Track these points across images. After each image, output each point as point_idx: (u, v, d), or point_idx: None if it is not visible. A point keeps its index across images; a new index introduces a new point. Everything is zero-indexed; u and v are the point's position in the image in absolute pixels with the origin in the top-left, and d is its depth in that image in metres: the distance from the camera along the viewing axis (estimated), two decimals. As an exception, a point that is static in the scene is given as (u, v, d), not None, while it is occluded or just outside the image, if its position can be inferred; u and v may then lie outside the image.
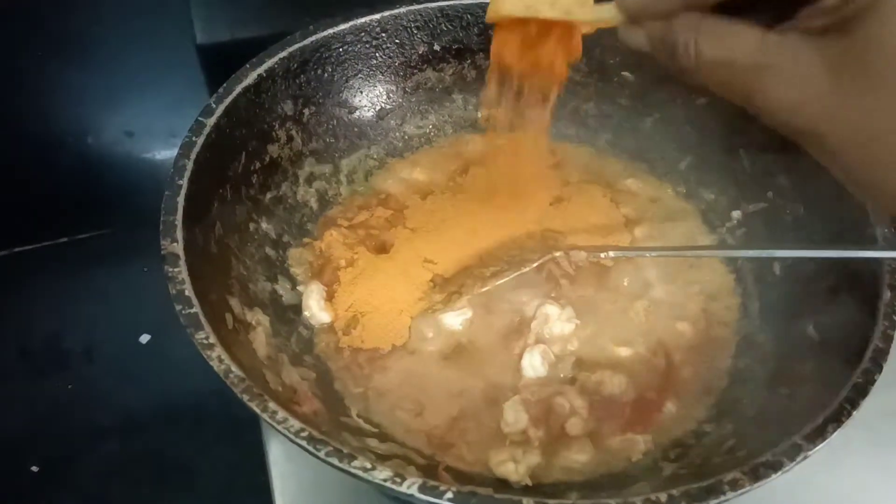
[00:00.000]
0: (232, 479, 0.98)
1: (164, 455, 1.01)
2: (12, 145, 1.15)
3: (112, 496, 0.99)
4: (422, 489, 0.46)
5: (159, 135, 1.23)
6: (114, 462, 1.01)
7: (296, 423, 0.48)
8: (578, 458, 0.62)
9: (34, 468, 1.02)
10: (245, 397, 0.50)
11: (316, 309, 0.70)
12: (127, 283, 1.15)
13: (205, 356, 0.51)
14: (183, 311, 0.53)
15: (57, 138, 1.19)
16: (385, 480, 0.46)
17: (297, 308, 0.70)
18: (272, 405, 0.49)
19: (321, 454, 0.47)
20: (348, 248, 0.74)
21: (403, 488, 0.46)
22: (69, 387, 1.08)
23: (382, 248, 0.74)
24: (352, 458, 0.47)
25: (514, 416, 0.63)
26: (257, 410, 0.49)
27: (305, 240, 0.75)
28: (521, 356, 0.67)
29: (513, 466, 0.60)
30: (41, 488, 1.00)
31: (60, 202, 1.20)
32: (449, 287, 0.71)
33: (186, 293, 0.54)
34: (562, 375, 0.67)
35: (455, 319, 0.70)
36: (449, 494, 0.45)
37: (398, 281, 0.71)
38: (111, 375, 1.08)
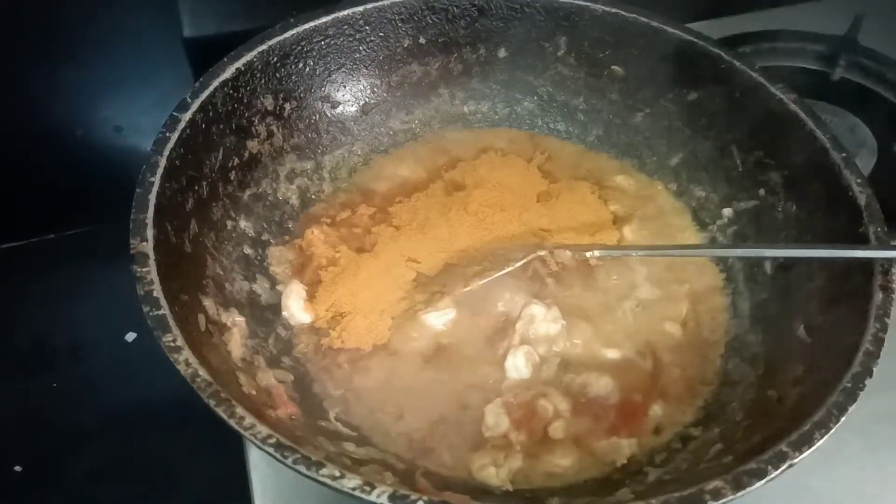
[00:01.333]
0: (216, 480, 0.97)
1: (149, 455, 1.00)
2: (-1, 140, 1.14)
3: (96, 496, 0.98)
4: (391, 498, 0.44)
5: (148, 130, 1.20)
6: (99, 462, 1.00)
7: (263, 430, 0.47)
8: (561, 462, 0.60)
9: (18, 468, 1.01)
10: (211, 402, 0.48)
11: (295, 309, 0.68)
12: (113, 280, 1.12)
13: (171, 360, 0.50)
14: (150, 313, 0.52)
15: (45, 133, 1.17)
16: (354, 489, 0.45)
17: (276, 308, 0.68)
18: (239, 410, 0.48)
19: (289, 461, 0.46)
20: (330, 247, 0.72)
21: (373, 497, 0.44)
22: (54, 385, 1.07)
23: (365, 247, 0.73)
24: (320, 465, 0.46)
25: (496, 420, 0.61)
26: (223, 416, 0.48)
27: (286, 238, 0.73)
28: (504, 357, 0.66)
29: (494, 471, 0.59)
30: (25, 489, 0.99)
31: (48, 198, 1.19)
32: (432, 286, 0.70)
33: (154, 294, 0.52)
34: (546, 377, 0.65)
35: (438, 319, 0.68)
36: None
37: (381, 280, 0.69)
38: (97, 374, 1.07)
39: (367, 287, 0.69)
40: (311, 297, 0.69)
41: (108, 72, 1.14)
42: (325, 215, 0.76)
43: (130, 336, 1.09)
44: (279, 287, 0.70)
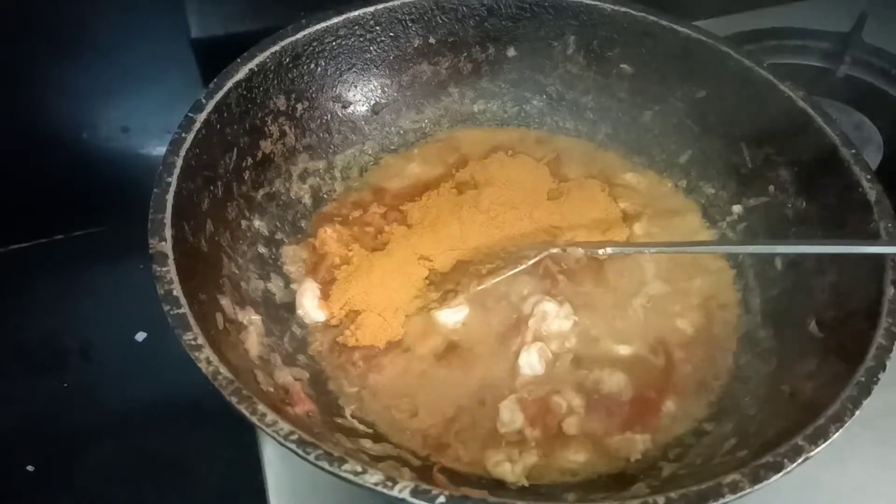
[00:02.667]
0: (228, 479, 0.97)
1: (160, 454, 1.01)
2: (7, 142, 1.14)
3: (108, 496, 0.98)
4: (414, 493, 0.45)
5: (155, 130, 1.22)
6: (110, 461, 1.01)
7: (285, 426, 0.47)
8: (576, 458, 0.61)
9: (30, 468, 1.01)
10: (233, 400, 0.49)
11: (310, 307, 0.69)
12: (123, 281, 1.14)
13: (193, 358, 0.50)
14: (171, 312, 0.52)
15: (52, 135, 1.18)
16: (376, 484, 0.45)
17: (291, 307, 0.69)
18: (261, 407, 0.48)
19: (311, 457, 0.46)
20: (343, 246, 0.73)
21: (395, 492, 0.45)
22: (65, 385, 1.07)
23: (378, 246, 0.73)
24: (342, 461, 0.46)
25: (510, 416, 0.62)
26: (246, 413, 0.48)
27: (299, 237, 0.74)
28: (518, 354, 0.66)
29: (509, 467, 0.59)
30: (37, 488, 1.00)
31: (56, 199, 1.19)
32: (445, 284, 0.70)
33: (174, 293, 0.53)
34: (559, 373, 0.66)
35: (451, 317, 0.69)
36: (441, 498, 0.44)
37: (394, 278, 0.70)
38: (107, 374, 1.07)
39: (381, 285, 0.69)
40: (325, 295, 0.70)
41: (115, 72, 1.14)
42: (337, 214, 0.77)
43: (140, 335, 1.10)
44: (293, 286, 0.70)
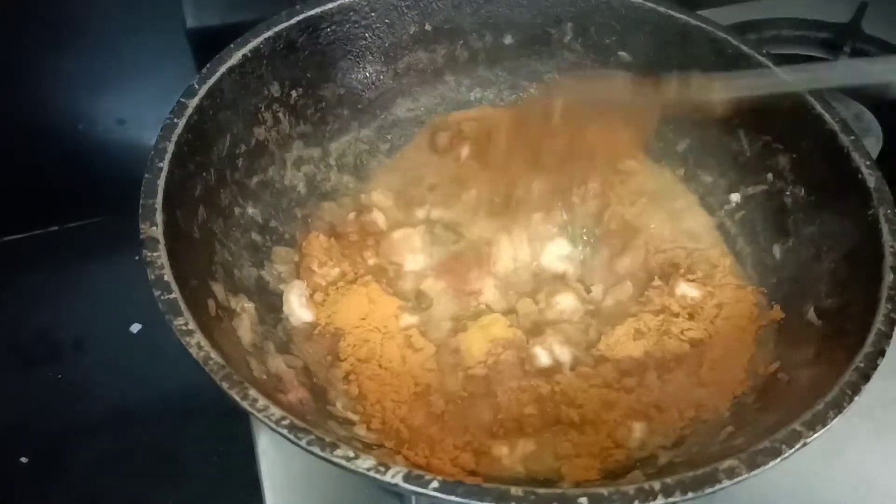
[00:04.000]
0: (223, 471, 0.97)
1: (155, 446, 1.00)
2: (2, 133, 1.14)
3: (103, 488, 0.98)
4: (406, 478, 0.44)
5: (151, 122, 1.20)
6: (105, 454, 1.01)
7: (277, 412, 0.47)
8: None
9: (24, 460, 1.01)
10: (224, 385, 0.48)
11: (296, 305, 0.67)
12: (118, 273, 1.13)
13: (184, 343, 0.49)
14: (161, 297, 0.51)
15: (48, 126, 1.17)
16: (369, 470, 0.44)
17: (285, 295, 0.68)
18: (252, 393, 0.47)
19: (303, 443, 0.45)
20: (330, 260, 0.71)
21: (388, 477, 0.44)
22: (59, 377, 1.07)
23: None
24: (334, 446, 0.45)
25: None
26: (237, 398, 0.47)
27: (288, 238, 0.73)
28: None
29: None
30: (31, 480, 1.00)
31: (51, 190, 1.19)
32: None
33: (165, 278, 0.52)
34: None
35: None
36: (434, 484, 0.44)
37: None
38: (102, 366, 1.07)
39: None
40: (312, 293, 0.69)
41: (111, 64, 1.14)
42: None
43: (135, 327, 1.09)
44: (281, 286, 0.69)
